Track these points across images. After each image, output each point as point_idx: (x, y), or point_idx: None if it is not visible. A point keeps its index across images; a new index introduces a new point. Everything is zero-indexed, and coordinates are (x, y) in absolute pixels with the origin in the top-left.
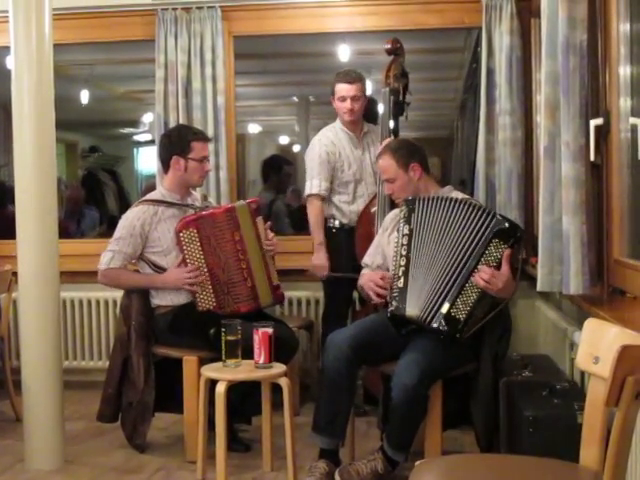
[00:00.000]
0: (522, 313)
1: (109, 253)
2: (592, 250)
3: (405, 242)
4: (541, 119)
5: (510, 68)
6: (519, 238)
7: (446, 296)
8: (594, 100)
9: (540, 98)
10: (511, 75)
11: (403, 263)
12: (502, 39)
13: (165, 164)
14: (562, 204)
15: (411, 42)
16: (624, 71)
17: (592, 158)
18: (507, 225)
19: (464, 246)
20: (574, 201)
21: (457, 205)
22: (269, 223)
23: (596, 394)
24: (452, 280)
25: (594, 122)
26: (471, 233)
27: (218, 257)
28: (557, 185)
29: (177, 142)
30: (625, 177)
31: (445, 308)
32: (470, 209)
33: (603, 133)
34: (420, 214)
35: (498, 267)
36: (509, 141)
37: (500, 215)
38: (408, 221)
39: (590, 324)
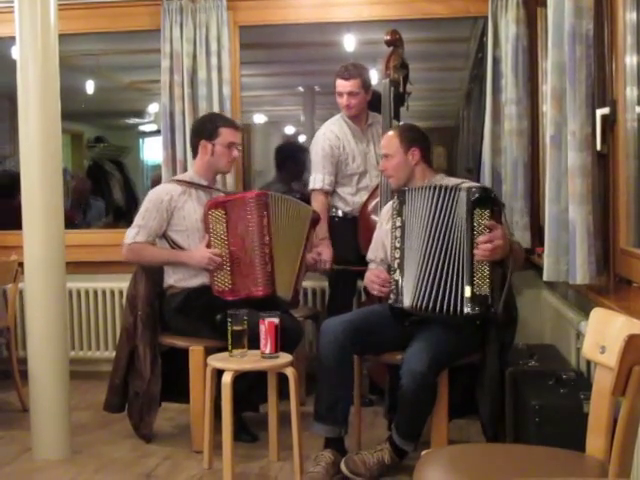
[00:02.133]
0: (528, 303)
1: (134, 228)
2: (598, 239)
3: (398, 234)
4: (547, 108)
5: (516, 57)
6: (494, 199)
7: (461, 281)
8: (600, 89)
9: (546, 87)
10: (517, 64)
11: (398, 255)
12: (508, 28)
13: (194, 148)
14: (568, 194)
15: (417, 31)
16: (630, 60)
17: (598, 147)
18: (479, 193)
19: (452, 228)
20: (580, 191)
21: (436, 191)
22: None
23: (602, 384)
24: (457, 264)
25: (600, 111)
26: (452, 214)
27: (242, 239)
28: (563, 175)
29: (206, 127)
30: (631, 166)
31: (468, 291)
32: (444, 192)
33: (609, 122)
34: (410, 205)
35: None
36: (515, 131)
37: (474, 186)
38: (400, 213)
39: (596, 314)
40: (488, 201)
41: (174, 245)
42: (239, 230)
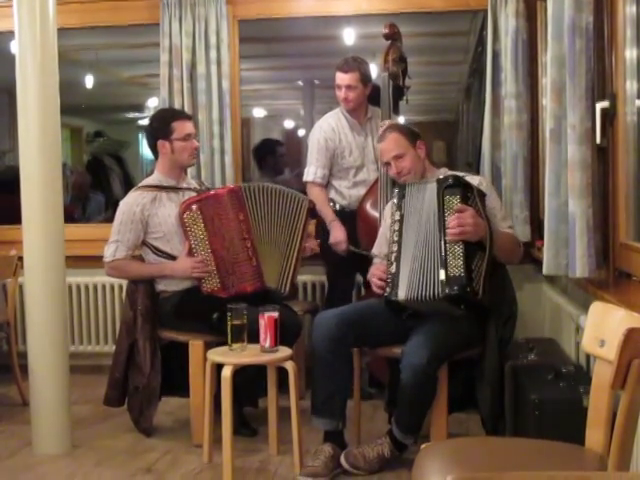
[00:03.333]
0: (528, 296)
1: (112, 245)
2: (598, 233)
3: (397, 228)
4: (547, 102)
5: (516, 51)
6: (467, 186)
7: (437, 266)
8: (600, 83)
9: (546, 81)
10: (517, 58)
11: (395, 249)
12: (508, 22)
13: (153, 150)
14: (568, 187)
15: (416, 25)
16: (630, 54)
17: (598, 141)
18: (450, 180)
19: (433, 218)
20: (580, 184)
21: (432, 185)
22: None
23: (602, 377)
24: (436, 251)
25: (600, 105)
26: (434, 203)
27: (222, 237)
28: (563, 168)
29: (158, 126)
30: (631, 160)
31: (442, 274)
32: (438, 184)
33: (609, 116)
34: (409, 199)
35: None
36: (515, 124)
37: (450, 176)
38: (399, 207)
39: (596, 307)
40: (457, 187)
41: (156, 251)
42: (217, 228)
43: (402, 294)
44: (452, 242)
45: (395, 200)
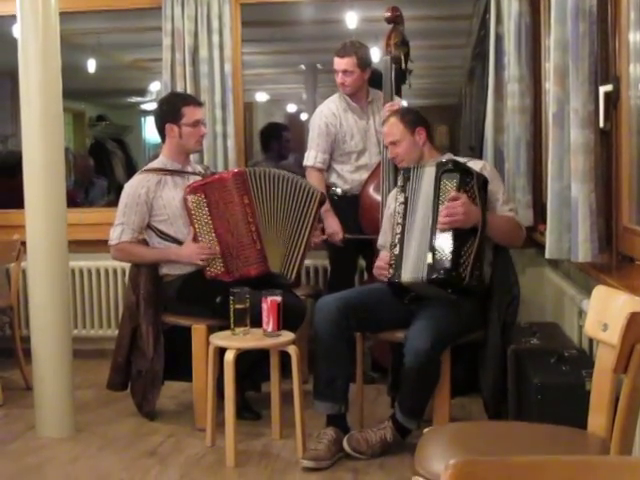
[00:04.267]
0: (530, 281)
1: (118, 227)
2: (601, 217)
3: (401, 210)
4: (550, 86)
5: (519, 35)
6: (465, 171)
7: (427, 249)
8: (604, 66)
9: (549, 65)
10: (520, 42)
11: (399, 231)
12: (511, 5)
13: (161, 133)
14: (571, 171)
15: (419, 9)
16: (634, 37)
17: (601, 125)
18: (450, 165)
19: (430, 200)
20: (583, 168)
21: (433, 168)
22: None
23: (604, 361)
24: (427, 234)
25: (603, 88)
26: (432, 186)
27: (227, 221)
28: (566, 152)
29: (168, 110)
30: (635, 144)
31: (429, 258)
32: (437, 167)
33: (613, 99)
34: (414, 182)
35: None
36: (518, 108)
37: (450, 160)
38: (404, 190)
39: (599, 291)
40: (454, 172)
41: (160, 234)
42: (222, 212)
43: (404, 276)
44: (442, 228)
45: (400, 183)
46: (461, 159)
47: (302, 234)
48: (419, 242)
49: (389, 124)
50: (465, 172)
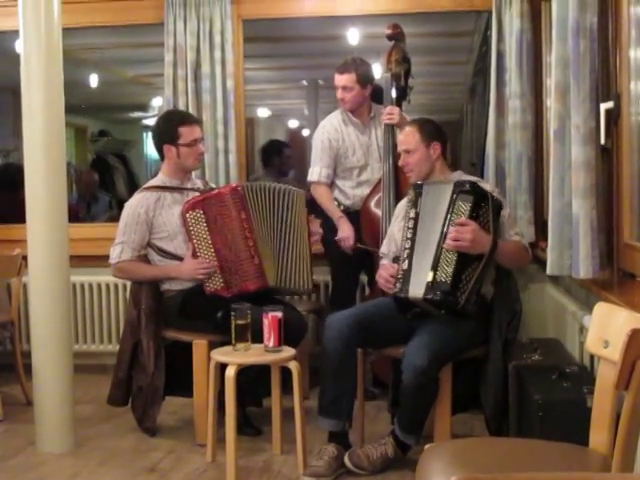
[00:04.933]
0: (532, 297)
1: (118, 246)
2: (602, 234)
3: (411, 225)
4: (551, 102)
5: (520, 51)
6: (482, 195)
7: (429, 267)
8: (604, 83)
9: (550, 81)
10: (521, 58)
11: (408, 246)
12: (512, 22)
13: (159, 153)
14: (572, 188)
15: (421, 25)
16: (635, 54)
17: (602, 142)
18: (467, 186)
19: (440, 219)
20: (584, 185)
21: (450, 186)
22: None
23: (606, 378)
24: (432, 252)
25: (604, 105)
26: (444, 205)
27: (225, 236)
28: (567, 169)
29: (165, 130)
30: (635, 161)
31: (430, 277)
32: (454, 186)
33: (613, 116)
34: (425, 198)
35: None
36: (519, 125)
37: (468, 181)
38: (415, 205)
39: (600, 308)
40: (471, 195)
41: (159, 252)
42: (220, 227)
43: (413, 292)
44: (448, 250)
45: (412, 197)
46: (474, 178)
47: (301, 239)
48: (425, 259)
49: (406, 132)
50: (481, 196)
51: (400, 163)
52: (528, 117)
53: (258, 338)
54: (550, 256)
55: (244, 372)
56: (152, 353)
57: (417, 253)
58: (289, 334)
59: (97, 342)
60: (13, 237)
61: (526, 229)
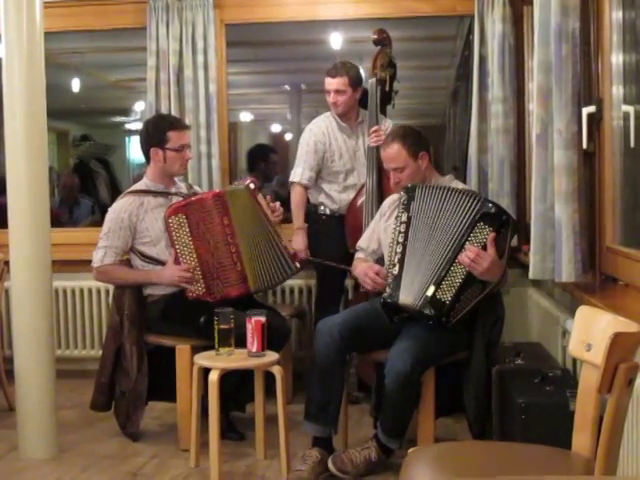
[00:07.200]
0: (514, 301)
1: (101, 250)
2: (584, 238)
3: (403, 230)
4: (533, 107)
5: (502, 56)
6: (505, 222)
7: (432, 280)
8: (586, 88)
9: (532, 86)
10: (503, 63)
11: (399, 250)
12: (494, 27)
13: (146, 155)
14: (554, 192)
15: (403, 30)
16: (616, 59)
17: (584, 146)
18: (493, 210)
19: (453, 231)
20: (566, 189)
21: (452, 193)
22: (269, 196)
23: (588, 381)
24: (440, 264)
25: (586, 110)
26: (460, 218)
27: (207, 242)
28: (549, 173)
29: (153, 134)
30: (617, 165)
31: (430, 291)
32: (462, 196)
33: (595, 121)
34: (419, 202)
35: (484, 250)
36: (501, 129)
37: (491, 201)
38: (407, 208)
39: (582, 311)
40: (496, 221)
41: (142, 257)
42: (202, 233)
43: (404, 298)
44: (457, 268)
45: (404, 200)
46: (464, 186)
47: (270, 231)
48: (423, 268)
49: (392, 150)
50: (505, 223)
51: (392, 182)
52: (510, 121)
53: (241, 343)
54: (533, 260)
55: (227, 377)
56: (135, 358)
57: (409, 259)
58: (272, 338)
59: (80, 347)
60: None
61: None
